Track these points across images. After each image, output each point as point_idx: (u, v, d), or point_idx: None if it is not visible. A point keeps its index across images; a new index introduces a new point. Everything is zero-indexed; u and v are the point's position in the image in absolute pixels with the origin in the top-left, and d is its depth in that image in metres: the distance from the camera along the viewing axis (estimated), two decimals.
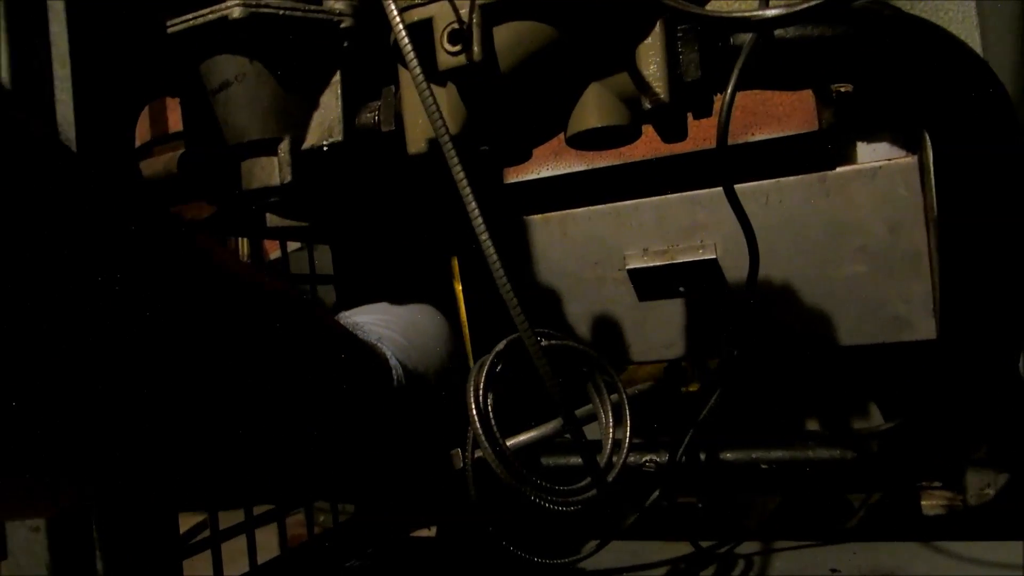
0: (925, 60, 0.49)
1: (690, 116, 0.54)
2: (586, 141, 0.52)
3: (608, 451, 0.50)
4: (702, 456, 0.68)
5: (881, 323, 0.81)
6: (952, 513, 0.76)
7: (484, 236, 0.37)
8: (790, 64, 0.48)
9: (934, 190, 0.77)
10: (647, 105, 0.48)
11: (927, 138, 0.77)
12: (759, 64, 0.47)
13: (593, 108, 0.50)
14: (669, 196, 0.89)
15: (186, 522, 0.61)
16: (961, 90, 0.57)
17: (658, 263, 0.87)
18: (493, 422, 0.46)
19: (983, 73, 0.55)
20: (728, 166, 0.46)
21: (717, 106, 0.50)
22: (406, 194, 0.82)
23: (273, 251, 0.93)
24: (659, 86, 0.48)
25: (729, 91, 0.44)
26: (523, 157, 0.57)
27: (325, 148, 0.57)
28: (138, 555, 0.52)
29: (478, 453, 0.49)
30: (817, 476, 0.66)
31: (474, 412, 0.45)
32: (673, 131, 0.53)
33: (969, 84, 0.56)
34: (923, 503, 0.78)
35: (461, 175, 0.39)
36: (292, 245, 0.88)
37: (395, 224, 0.90)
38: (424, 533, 0.90)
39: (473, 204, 0.37)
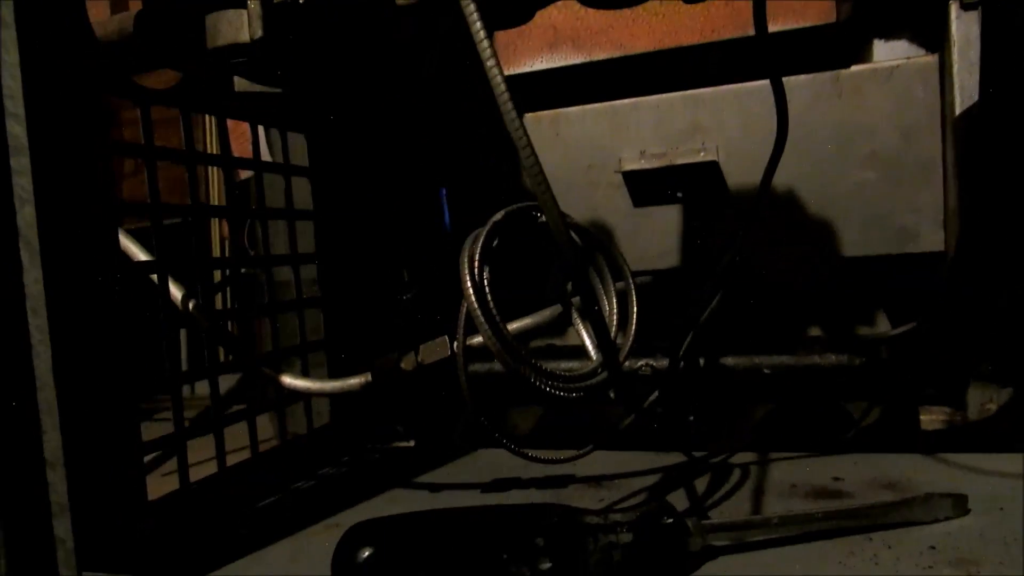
0: None
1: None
2: None
3: (614, 335, 0.45)
4: (702, 361, 0.64)
5: (887, 234, 0.77)
6: (951, 428, 0.74)
7: (491, 61, 0.31)
8: None
9: (956, 91, 0.72)
10: None
11: (952, 34, 0.72)
12: None
13: None
14: (670, 95, 0.83)
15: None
16: None
17: (655, 165, 0.82)
18: (490, 300, 0.41)
19: None
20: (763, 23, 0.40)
21: None
22: (390, 84, 0.75)
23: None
24: None
25: None
26: (525, 16, 0.51)
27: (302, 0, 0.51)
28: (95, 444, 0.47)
29: (472, 340, 0.45)
30: (822, 383, 0.63)
31: (469, 286, 0.40)
32: None
33: None
34: (922, 418, 0.76)
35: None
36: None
37: (379, 119, 0.84)
38: (404, 444, 0.86)
39: (478, 23, 0.31)
